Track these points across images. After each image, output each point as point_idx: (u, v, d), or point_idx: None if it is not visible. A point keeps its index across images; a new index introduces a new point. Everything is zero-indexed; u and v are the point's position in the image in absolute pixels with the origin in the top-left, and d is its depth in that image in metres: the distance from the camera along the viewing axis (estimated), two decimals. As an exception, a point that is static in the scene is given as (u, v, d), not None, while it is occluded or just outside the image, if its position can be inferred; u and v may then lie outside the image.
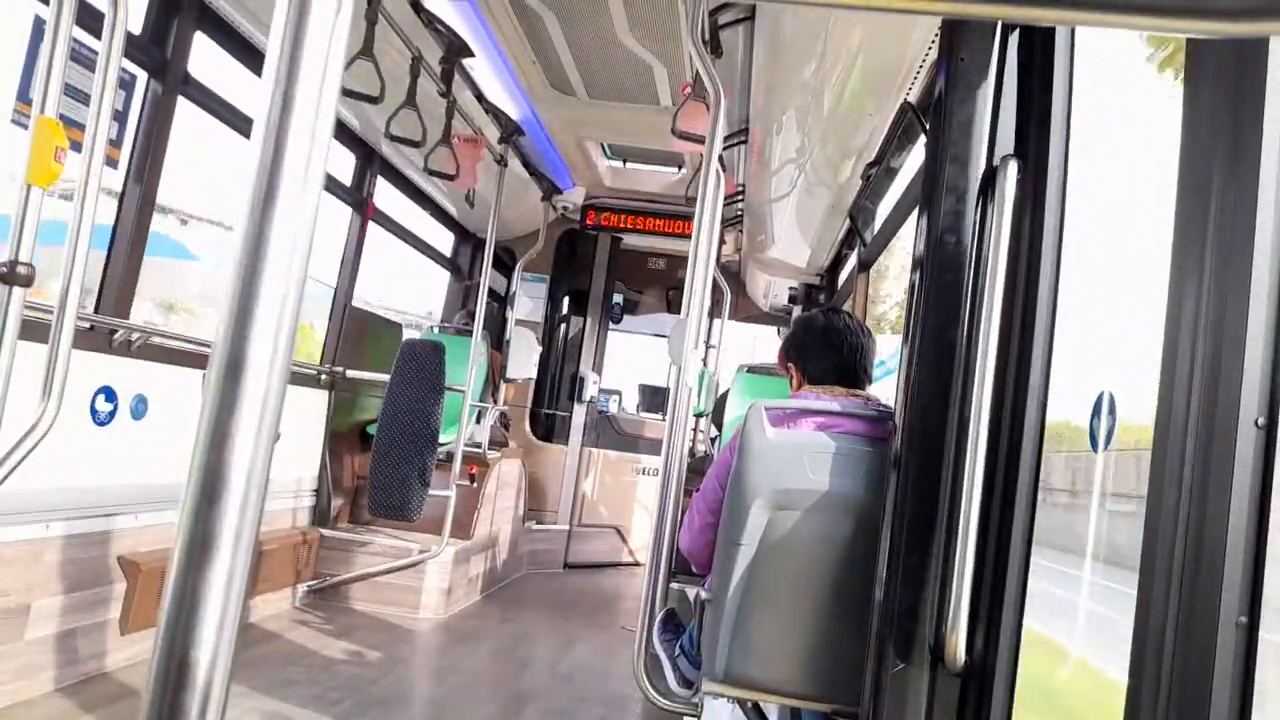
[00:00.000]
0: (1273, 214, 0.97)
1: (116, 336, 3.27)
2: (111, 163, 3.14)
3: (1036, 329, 1.52)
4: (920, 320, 1.74)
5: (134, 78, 3.33)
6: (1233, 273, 0.99)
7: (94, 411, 3.18)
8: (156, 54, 3.42)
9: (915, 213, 2.13)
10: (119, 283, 3.37)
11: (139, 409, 3.40)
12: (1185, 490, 1.01)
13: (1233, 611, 0.96)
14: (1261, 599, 0.95)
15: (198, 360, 3.70)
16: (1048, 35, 1.61)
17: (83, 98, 2.91)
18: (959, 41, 1.72)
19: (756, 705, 2.21)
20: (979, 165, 1.69)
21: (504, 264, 7.15)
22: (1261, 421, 0.97)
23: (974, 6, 0.45)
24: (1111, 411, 1.36)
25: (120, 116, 3.23)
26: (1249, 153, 0.98)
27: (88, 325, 3.13)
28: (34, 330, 2.57)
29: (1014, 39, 1.68)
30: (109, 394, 3.24)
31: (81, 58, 2.91)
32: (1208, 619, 0.97)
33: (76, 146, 2.52)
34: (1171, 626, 1.00)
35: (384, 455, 4.56)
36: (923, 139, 2.55)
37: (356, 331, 5.48)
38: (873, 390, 2.41)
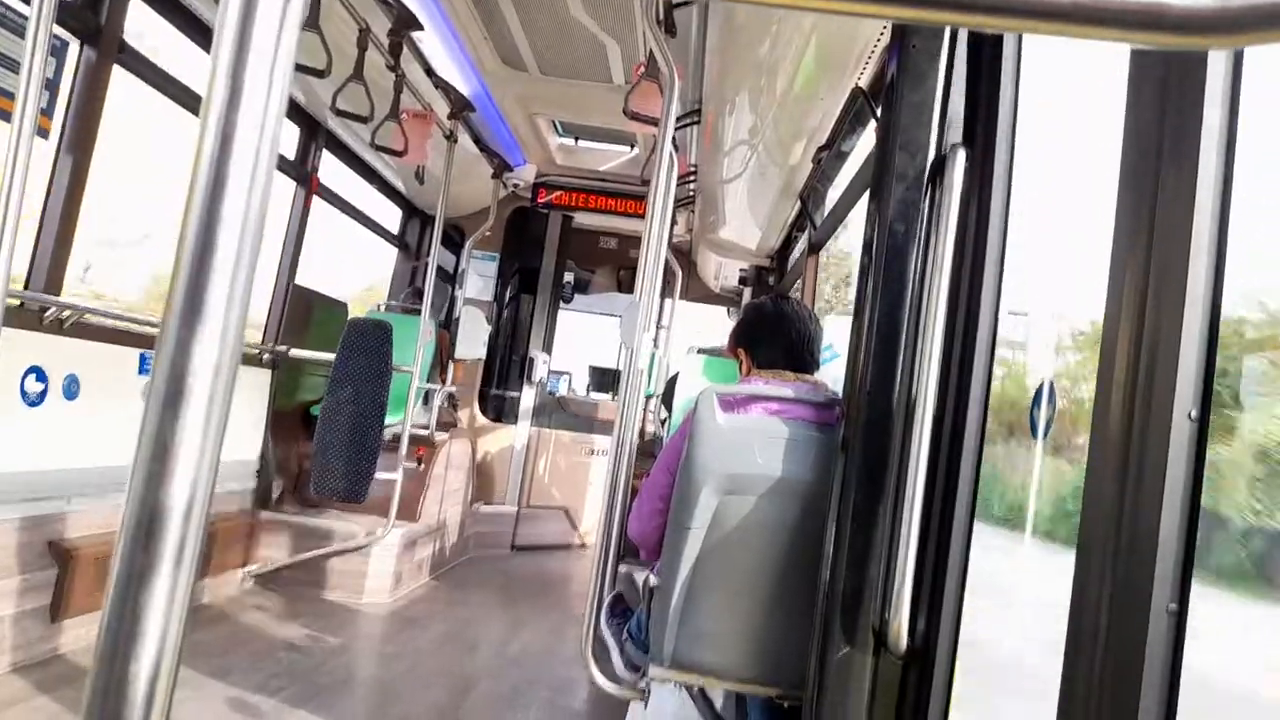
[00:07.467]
0: (1209, 214, 1.00)
1: (47, 314, 3.15)
2: (43, 133, 3.02)
3: (981, 315, 1.54)
4: (869, 304, 1.75)
5: (66, 44, 3.20)
6: (1169, 272, 1.02)
7: (23, 392, 3.08)
8: (90, 19, 3.28)
9: (865, 197, 2.15)
10: (50, 258, 3.25)
11: (71, 389, 3.29)
12: (1120, 481, 1.04)
13: (1164, 599, 0.99)
14: (1190, 587, 0.99)
15: (131, 339, 3.59)
16: (997, 26, 1.63)
17: (11, 65, 2.78)
18: (911, 29, 1.73)
19: (703, 690, 2.23)
20: (928, 152, 1.70)
21: (453, 241, 7.05)
22: (1194, 414, 1.00)
23: (924, 12, 0.45)
24: (1051, 401, 1.39)
25: (51, 85, 3.10)
26: (1188, 154, 1.00)
27: (17, 302, 3.01)
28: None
29: (964, 29, 1.70)
30: (39, 374, 3.13)
31: (8, 22, 2.79)
32: (1140, 606, 1.00)
33: (4, 116, 2.42)
34: (1105, 613, 1.04)
35: (328, 437, 4.49)
36: (873, 124, 2.57)
37: (300, 309, 5.36)
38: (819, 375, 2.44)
